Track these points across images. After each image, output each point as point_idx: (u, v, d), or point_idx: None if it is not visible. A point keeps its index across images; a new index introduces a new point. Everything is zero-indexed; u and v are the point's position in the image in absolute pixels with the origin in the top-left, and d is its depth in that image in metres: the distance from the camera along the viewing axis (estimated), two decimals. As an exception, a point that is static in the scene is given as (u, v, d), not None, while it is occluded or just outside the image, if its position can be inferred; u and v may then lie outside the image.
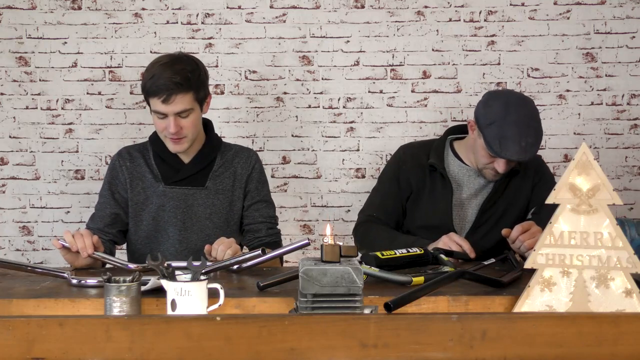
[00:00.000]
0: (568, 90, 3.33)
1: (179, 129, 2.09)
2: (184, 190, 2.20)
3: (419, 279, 1.64)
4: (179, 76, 2.05)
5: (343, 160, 3.36)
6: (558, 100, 3.34)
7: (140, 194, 2.20)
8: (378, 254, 1.79)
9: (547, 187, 2.22)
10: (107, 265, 2.01)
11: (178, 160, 2.22)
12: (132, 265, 1.88)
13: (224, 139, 2.38)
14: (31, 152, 3.31)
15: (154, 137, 2.25)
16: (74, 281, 1.71)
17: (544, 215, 2.16)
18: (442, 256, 1.86)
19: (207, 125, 2.30)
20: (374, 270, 1.68)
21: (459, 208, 2.25)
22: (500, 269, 1.88)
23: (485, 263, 1.92)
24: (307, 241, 1.74)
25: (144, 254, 2.18)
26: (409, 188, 2.28)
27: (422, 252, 1.86)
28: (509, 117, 2.07)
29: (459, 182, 2.25)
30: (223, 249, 1.95)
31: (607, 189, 1.48)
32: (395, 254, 1.81)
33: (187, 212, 2.19)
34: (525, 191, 2.26)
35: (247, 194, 2.26)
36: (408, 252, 1.84)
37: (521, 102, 2.14)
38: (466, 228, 2.24)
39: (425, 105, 3.32)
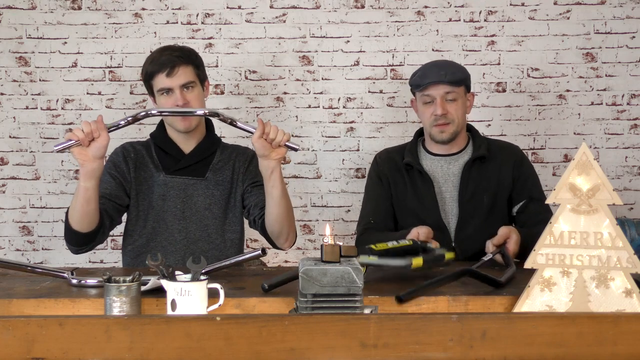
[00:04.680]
0: (568, 90, 3.33)
1: (186, 101, 2.15)
2: (185, 180, 2.23)
3: (417, 260, 1.70)
4: (178, 52, 2.19)
5: (343, 160, 3.36)
6: (558, 100, 3.34)
7: (143, 183, 2.22)
8: (372, 246, 1.81)
9: (528, 183, 2.29)
10: (113, 129, 1.98)
11: (179, 150, 2.25)
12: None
13: (224, 139, 2.43)
14: (31, 152, 3.31)
15: (155, 133, 2.30)
16: (74, 281, 1.71)
17: (531, 210, 2.23)
18: (430, 246, 1.89)
19: (208, 123, 2.35)
20: (374, 259, 1.70)
21: (442, 202, 2.29)
22: (500, 269, 1.87)
23: (485, 259, 1.93)
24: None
25: (143, 246, 2.19)
26: (390, 189, 2.35)
27: (411, 243, 1.88)
28: (429, 64, 2.34)
29: (434, 175, 2.32)
30: (275, 129, 1.90)
31: (607, 189, 1.48)
32: (387, 245, 1.84)
33: (187, 201, 2.22)
34: (506, 184, 2.29)
35: (247, 175, 2.26)
36: (398, 243, 1.86)
37: (444, 60, 2.48)
38: (453, 222, 2.28)
39: (425, 105, 3.32)
